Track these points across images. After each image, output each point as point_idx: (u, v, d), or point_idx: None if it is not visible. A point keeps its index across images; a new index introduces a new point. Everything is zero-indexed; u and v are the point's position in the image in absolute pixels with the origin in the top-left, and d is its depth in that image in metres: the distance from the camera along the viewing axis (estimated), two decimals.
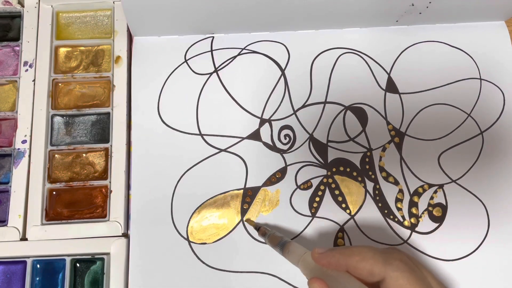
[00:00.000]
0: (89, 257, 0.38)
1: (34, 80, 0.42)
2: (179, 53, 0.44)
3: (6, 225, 0.39)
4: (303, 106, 0.43)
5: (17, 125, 0.41)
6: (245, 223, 0.39)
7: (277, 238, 0.36)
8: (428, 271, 0.31)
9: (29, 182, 0.40)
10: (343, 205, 0.40)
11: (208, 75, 0.44)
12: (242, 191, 0.40)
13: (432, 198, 0.41)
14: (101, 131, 0.42)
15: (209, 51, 0.44)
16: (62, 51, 0.44)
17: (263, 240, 0.38)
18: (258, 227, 0.39)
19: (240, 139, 0.42)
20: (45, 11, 0.44)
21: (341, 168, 0.41)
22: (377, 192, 0.41)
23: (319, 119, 0.42)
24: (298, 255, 0.33)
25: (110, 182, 0.40)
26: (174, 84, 0.43)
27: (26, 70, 0.42)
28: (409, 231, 0.40)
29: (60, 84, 0.43)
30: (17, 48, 0.44)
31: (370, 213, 0.40)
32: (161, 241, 0.39)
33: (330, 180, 0.41)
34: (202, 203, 0.40)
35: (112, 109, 0.42)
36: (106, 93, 0.43)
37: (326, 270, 0.31)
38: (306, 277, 0.32)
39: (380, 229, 0.40)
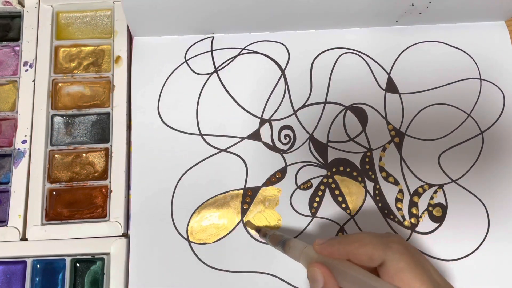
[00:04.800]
0: (89, 257, 0.38)
1: (34, 80, 0.42)
2: (179, 53, 0.44)
3: (6, 225, 0.39)
4: (303, 106, 0.43)
5: (17, 125, 0.41)
6: (245, 226, 0.39)
7: (278, 237, 0.36)
8: (424, 257, 0.31)
9: (29, 182, 0.40)
10: (343, 205, 0.40)
11: (208, 75, 0.44)
12: (242, 191, 0.40)
13: (432, 198, 0.41)
14: (101, 131, 0.42)
15: (209, 51, 0.44)
16: (62, 51, 0.44)
17: (264, 241, 0.38)
18: (258, 229, 0.39)
19: (240, 139, 0.42)
20: (45, 11, 0.44)
21: (341, 168, 0.41)
22: (377, 192, 0.41)
23: (319, 119, 0.42)
24: (299, 250, 0.33)
25: (110, 182, 0.40)
26: (174, 84, 0.43)
27: (26, 70, 0.42)
28: (409, 231, 0.40)
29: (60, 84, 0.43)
30: (17, 48, 0.44)
31: (370, 213, 0.40)
32: (161, 241, 0.39)
33: (330, 180, 0.41)
34: (202, 203, 0.40)
35: (112, 109, 0.42)
36: (106, 93, 0.43)
37: (327, 259, 0.31)
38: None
39: (380, 229, 0.40)
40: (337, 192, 0.41)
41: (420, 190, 0.41)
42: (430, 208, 0.40)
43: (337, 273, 0.30)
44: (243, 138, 0.42)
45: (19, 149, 0.41)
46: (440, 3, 0.42)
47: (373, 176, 0.41)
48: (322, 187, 0.41)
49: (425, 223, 0.40)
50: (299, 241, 0.34)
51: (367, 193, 0.41)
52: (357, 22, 0.44)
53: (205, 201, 0.40)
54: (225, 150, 0.41)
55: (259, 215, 0.40)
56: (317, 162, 0.41)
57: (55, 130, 0.42)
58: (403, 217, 0.40)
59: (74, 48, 0.44)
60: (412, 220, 0.40)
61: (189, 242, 0.39)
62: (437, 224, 0.40)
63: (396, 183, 0.41)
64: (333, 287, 0.29)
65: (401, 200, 0.41)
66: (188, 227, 0.39)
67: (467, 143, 0.42)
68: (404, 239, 0.30)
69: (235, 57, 0.44)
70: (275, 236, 0.36)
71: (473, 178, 0.41)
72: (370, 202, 0.41)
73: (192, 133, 0.42)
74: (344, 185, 0.41)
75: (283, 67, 0.44)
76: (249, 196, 0.40)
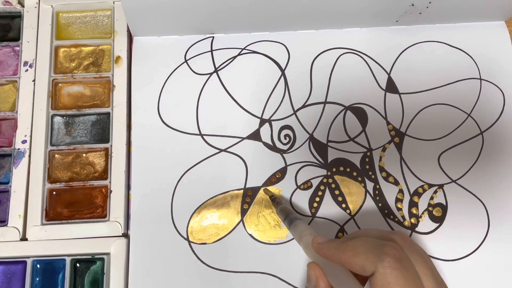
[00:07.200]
0: (89, 257, 0.38)
1: (34, 80, 0.42)
2: (179, 53, 0.44)
3: (6, 225, 0.39)
4: (303, 106, 0.43)
5: (17, 125, 0.41)
6: (263, 191, 0.40)
7: (287, 212, 0.37)
8: (427, 268, 0.30)
9: (29, 182, 0.40)
10: (343, 205, 0.40)
11: (208, 75, 0.44)
12: (242, 191, 0.40)
13: (432, 198, 0.41)
14: (101, 131, 0.42)
15: (209, 51, 0.44)
16: (62, 51, 0.44)
17: (276, 210, 0.39)
18: (273, 197, 0.39)
19: (240, 139, 0.42)
20: (45, 11, 0.44)
21: (341, 168, 0.41)
22: (377, 192, 0.41)
23: (319, 119, 0.42)
24: (301, 235, 0.34)
25: (110, 182, 0.40)
26: (174, 84, 0.43)
27: (26, 70, 0.42)
28: (409, 231, 0.40)
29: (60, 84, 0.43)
30: (17, 48, 0.44)
31: (370, 213, 0.40)
32: (161, 241, 0.39)
33: (330, 180, 0.41)
34: (202, 203, 0.40)
35: (112, 109, 0.42)
36: (106, 93, 0.43)
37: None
38: (309, 257, 0.33)
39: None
40: (337, 192, 0.41)
41: (420, 190, 0.41)
42: (430, 208, 0.40)
43: (330, 274, 0.31)
44: (243, 138, 0.42)
45: (19, 149, 0.41)
46: (440, 3, 0.42)
47: (373, 176, 0.41)
48: (322, 187, 0.41)
49: (425, 223, 0.40)
50: (304, 225, 0.35)
51: (367, 193, 0.41)
52: (357, 22, 0.44)
53: (205, 201, 0.40)
54: (225, 150, 0.41)
55: (259, 215, 0.40)
56: (317, 162, 0.41)
57: (55, 130, 0.42)
58: (403, 217, 0.40)
59: (74, 48, 0.44)
60: (412, 220, 0.40)
61: (189, 242, 0.39)
62: (437, 224, 0.40)
63: (396, 183, 0.41)
64: None
65: (401, 200, 0.41)
66: (188, 227, 0.39)
67: (467, 143, 0.42)
68: (402, 249, 0.29)
69: (235, 57, 0.44)
70: (285, 210, 0.37)
71: (473, 178, 0.41)
72: (370, 202, 0.41)
73: (192, 133, 0.42)
74: (344, 185, 0.41)
75: (283, 67, 0.44)
76: (249, 196, 0.40)
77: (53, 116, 0.42)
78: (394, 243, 0.30)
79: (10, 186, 0.40)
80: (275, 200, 0.39)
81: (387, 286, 0.27)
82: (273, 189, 0.41)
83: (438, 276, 0.30)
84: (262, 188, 0.40)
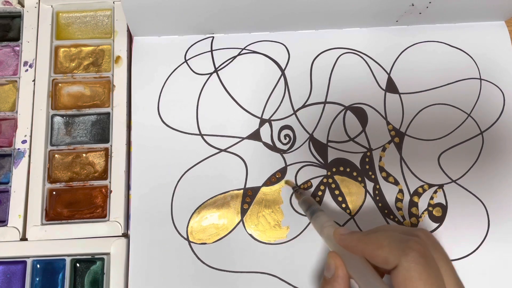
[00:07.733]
0: (89, 257, 0.38)
1: (34, 80, 0.42)
2: (179, 53, 0.44)
3: (6, 225, 0.39)
4: (303, 106, 0.43)
5: (17, 125, 0.41)
6: (285, 184, 0.41)
7: (310, 203, 0.38)
8: (450, 268, 0.30)
9: (29, 182, 0.40)
10: (343, 205, 0.40)
11: (208, 75, 0.44)
12: (242, 191, 0.40)
13: (432, 198, 0.41)
14: (101, 131, 0.42)
15: (209, 51, 0.44)
16: (62, 51, 0.44)
17: (298, 201, 0.39)
18: (296, 188, 0.40)
19: (240, 139, 0.42)
20: (45, 11, 0.44)
21: (341, 168, 0.41)
22: (377, 192, 0.41)
23: (319, 119, 0.42)
24: (322, 226, 0.35)
25: (110, 182, 0.40)
26: (174, 84, 0.43)
27: (26, 70, 0.42)
28: None
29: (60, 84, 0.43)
30: (17, 48, 0.44)
31: (370, 213, 0.40)
32: (161, 241, 0.39)
33: (330, 180, 0.41)
34: (202, 203, 0.40)
35: (112, 109, 0.42)
36: (106, 93, 0.43)
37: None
38: (330, 248, 0.34)
39: None
40: (337, 192, 0.41)
41: (420, 190, 0.41)
42: (430, 208, 0.40)
43: (349, 265, 0.31)
44: (243, 138, 0.42)
45: (19, 149, 0.41)
46: (440, 3, 0.42)
47: (373, 176, 0.41)
48: (322, 187, 0.41)
49: (425, 223, 0.40)
50: (326, 217, 0.35)
51: (367, 193, 0.41)
52: (357, 22, 0.44)
53: (205, 201, 0.40)
54: (225, 150, 0.41)
55: (259, 215, 0.40)
56: (317, 162, 0.41)
57: (55, 130, 0.42)
58: (403, 217, 0.40)
59: (74, 48, 0.44)
60: (412, 220, 0.40)
61: (189, 242, 0.39)
62: (437, 224, 0.40)
63: (396, 183, 0.41)
64: (342, 279, 0.31)
65: (401, 200, 0.41)
66: (188, 227, 0.39)
67: (467, 143, 0.42)
68: (426, 245, 0.29)
69: (235, 57, 0.44)
70: (308, 201, 0.38)
71: (473, 178, 0.41)
72: (370, 202, 0.41)
73: (192, 133, 0.42)
74: (344, 185, 0.41)
75: (283, 67, 0.44)
76: (249, 196, 0.40)
77: (53, 116, 0.42)
78: (419, 239, 0.29)
79: (10, 186, 0.40)
80: (297, 191, 0.39)
81: (409, 280, 0.27)
82: (272, 188, 0.41)
83: (458, 277, 0.29)
84: (284, 180, 0.41)
